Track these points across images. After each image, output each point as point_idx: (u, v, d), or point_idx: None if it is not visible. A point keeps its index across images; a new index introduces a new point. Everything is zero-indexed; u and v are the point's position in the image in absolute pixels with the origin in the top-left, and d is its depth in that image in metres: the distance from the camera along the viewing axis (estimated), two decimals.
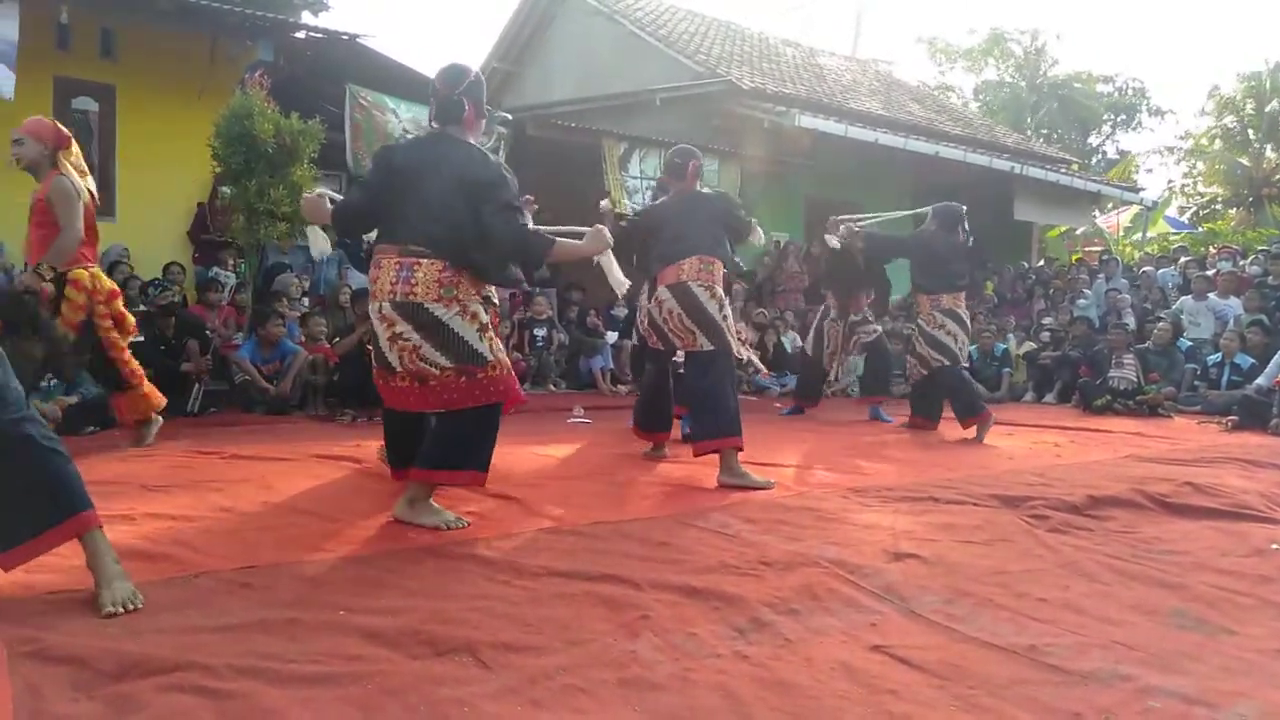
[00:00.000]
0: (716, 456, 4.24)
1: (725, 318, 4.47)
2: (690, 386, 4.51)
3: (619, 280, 3.84)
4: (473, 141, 3.36)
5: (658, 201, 5.20)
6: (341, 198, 3.55)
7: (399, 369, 3.16)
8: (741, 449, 4.26)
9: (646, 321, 4.86)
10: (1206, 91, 25.58)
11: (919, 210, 7.03)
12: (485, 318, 3.23)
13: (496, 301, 3.44)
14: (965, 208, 6.78)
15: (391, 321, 3.14)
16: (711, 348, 4.41)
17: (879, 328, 7.58)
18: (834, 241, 7.00)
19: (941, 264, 6.50)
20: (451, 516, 3.22)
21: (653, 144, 10.06)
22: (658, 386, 5.01)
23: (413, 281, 3.11)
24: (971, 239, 6.72)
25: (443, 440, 3.25)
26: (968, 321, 6.72)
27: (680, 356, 4.79)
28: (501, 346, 3.32)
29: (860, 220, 7.16)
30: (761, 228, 5.01)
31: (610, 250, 3.62)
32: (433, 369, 3.13)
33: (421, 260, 3.13)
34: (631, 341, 6.40)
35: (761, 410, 7.72)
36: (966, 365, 6.83)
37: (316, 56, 8.36)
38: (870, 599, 2.57)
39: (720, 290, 4.50)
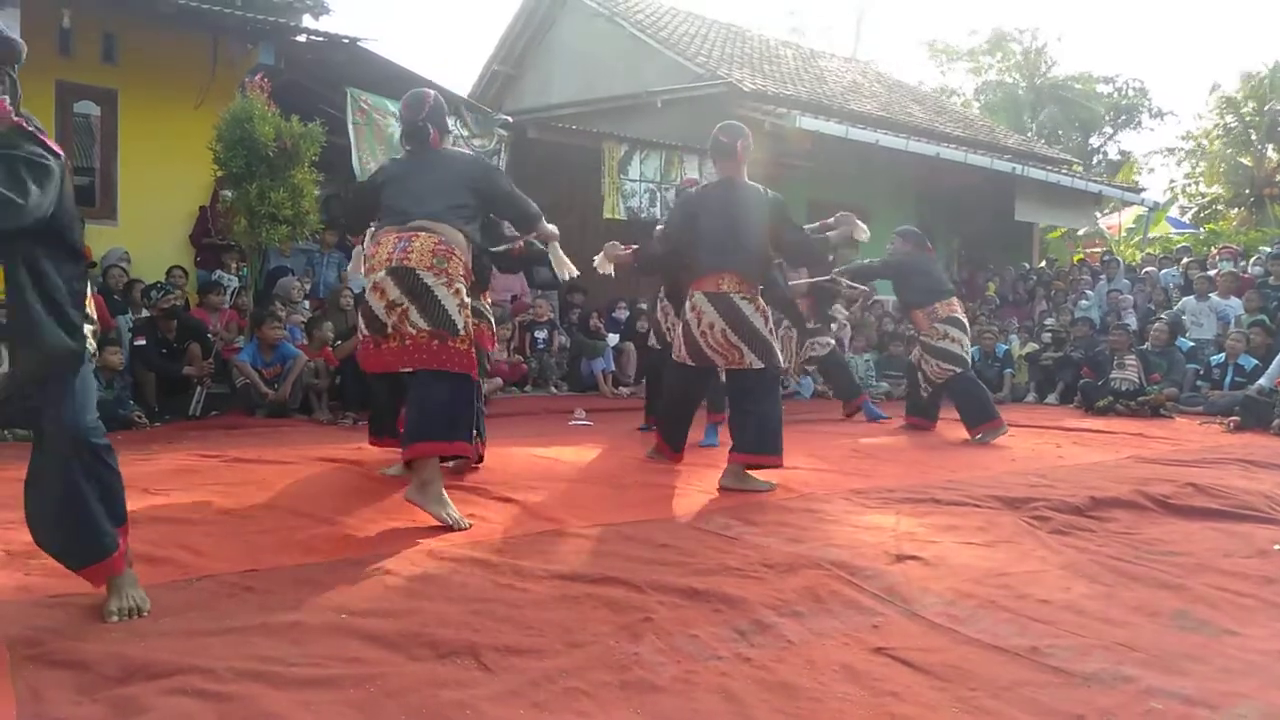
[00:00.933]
0: (715, 456, 4.24)
1: (771, 331, 4.28)
2: (742, 408, 4.25)
3: (567, 268, 4.07)
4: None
5: (700, 187, 4.80)
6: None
7: (391, 331, 3.39)
8: (781, 466, 4.22)
9: (680, 333, 4.48)
10: (1209, 89, 25.55)
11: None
12: (466, 297, 3.48)
13: (492, 316, 3.58)
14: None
15: (385, 290, 3.37)
16: (761, 366, 4.19)
17: (831, 341, 7.52)
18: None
19: (924, 276, 6.61)
20: (457, 514, 3.27)
21: (654, 146, 10.05)
22: (685, 407, 4.70)
23: (409, 250, 3.36)
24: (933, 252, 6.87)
25: (427, 413, 3.38)
26: (967, 324, 6.75)
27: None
28: (471, 325, 3.53)
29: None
30: (847, 238, 4.60)
31: (557, 241, 4.03)
32: (411, 329, 3.35)
33: (420, 233, 3.39)
34: (651, 344, 6.24)
35: None
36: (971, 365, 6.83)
37: (317, 60, 8.35)
38: (872, 601, 2.57)
39: (762, 302, 4.27)
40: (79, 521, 2.19)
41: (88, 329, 2.30)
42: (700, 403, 4.88)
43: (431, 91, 3.73)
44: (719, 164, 4.48)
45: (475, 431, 4.17)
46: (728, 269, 4.19)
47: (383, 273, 3.37)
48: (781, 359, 7.09)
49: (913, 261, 6.68)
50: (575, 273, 4.10)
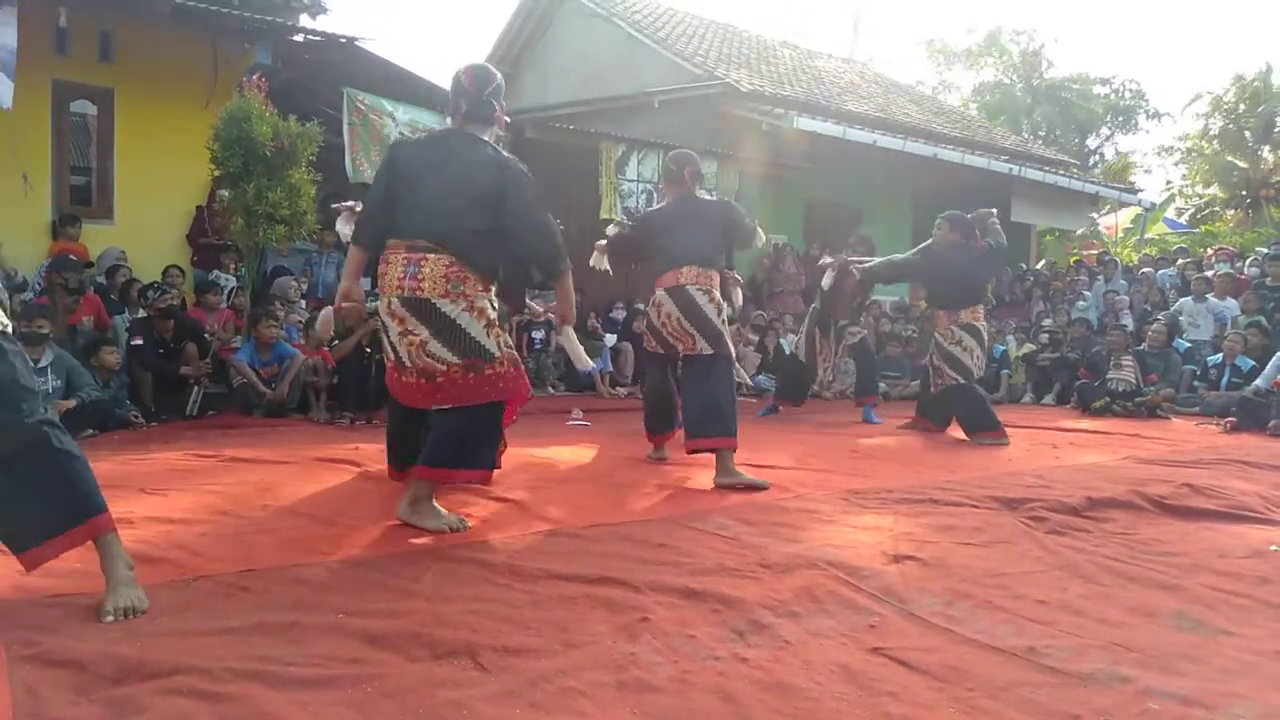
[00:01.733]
0: (713, 459, 4.25)
1: (724, 322, 4.53)
2: (689, 390, 4.53)
3: (581, 359, 3.89)
4: (489, 140, 3.39)
5: (655, 207, 5.28)
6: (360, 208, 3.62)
7: (408, 365, 3.20)
8: (735, 449, 4.28)
9: (645, 324, 4.91)
10: (1192, 97, 25.87)
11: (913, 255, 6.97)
12: (493, 314, 3.26)
13: (497, 306, 3.45)
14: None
15: (401, 318, 3.17)
16: (710, 352, 4.47)
17: (863, 329, 7.57)
18: (827, 281, 7.00)
19: (961, 279, 6.32)
20: (454, 519, 3.22)
21: (651, 146, 10.06)
22: (660, 390, 5.01)
23: (420, 277, 3.13)
24: (1002, 239, 6.55)
25: (447, 438, 3.24)
26: (985, 335, 6.53)
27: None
28: (510, 342, 3.34)
29: (864, 261, 7.10)
30: (760, 229, 5.04)
31: (571, 327, 3.74)
32: (439, 365, 3.16)
33: (428, 256, 3.14)
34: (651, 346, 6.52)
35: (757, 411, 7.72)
36: (980, 377, 6.54)
37: (315, 59, 8.35)
38: (869, 601, 2.57)
39: (718, 295, 4.56)
40: (16, 510, 2.22)
41: None
42: (670, 382, 5.04)
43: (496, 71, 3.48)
44: (670, 188, 4.89)
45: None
46: (685, 264, 4.51)
47: (395, 300, 3.17)
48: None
49: (955, 261, 6.30)
50: (590, 366, 4.00)
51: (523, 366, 3.37)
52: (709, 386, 4.42)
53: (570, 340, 3.79)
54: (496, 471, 3.95)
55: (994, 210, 6.71)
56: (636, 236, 4.98)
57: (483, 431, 3.27)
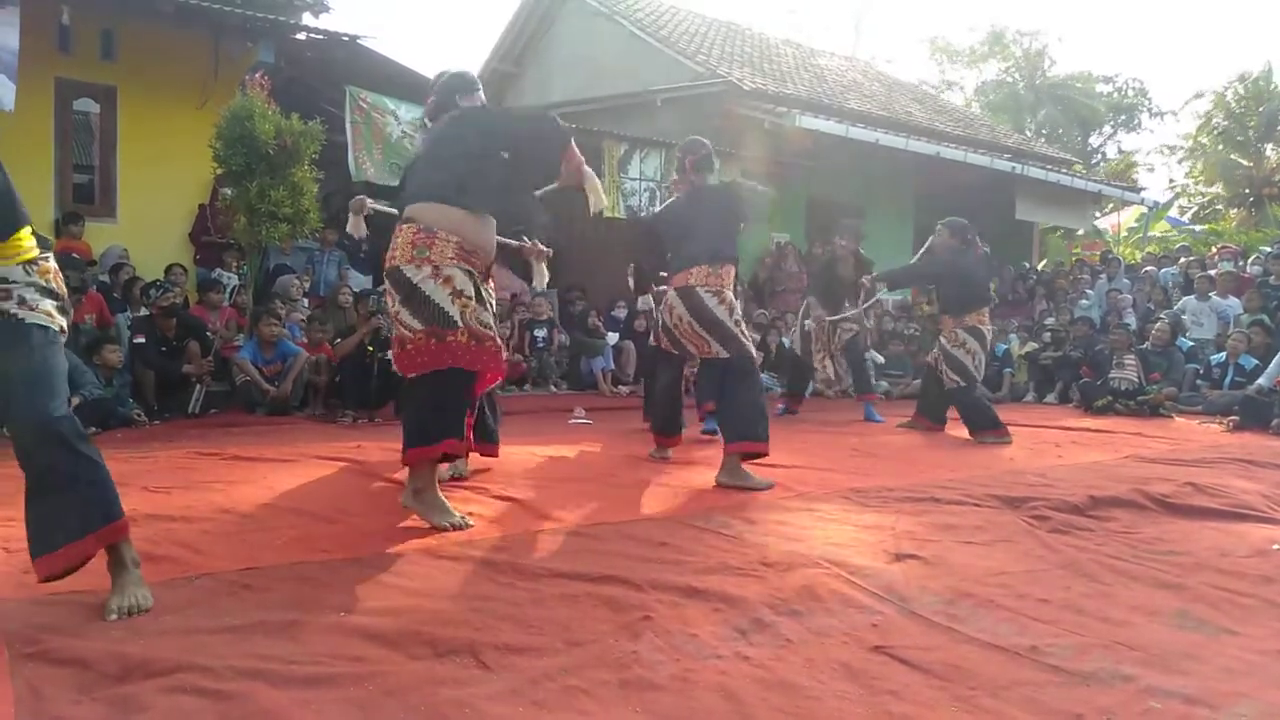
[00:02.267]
0: (717, 458, 4.25)
1: (737, 322, 4.44)
2: (709, 392, 4.48)
3: (599, 199, 3.65)
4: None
5: (669, 202, 5.17)
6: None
7: (390, 335, 3.32)
8: (766, 454, 4.24)
9: (659, 324, 4.89)
10: (1193, 94, 25.86)
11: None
12: (462, 284, 3.22)
13: (495, 298, 3.47)
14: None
15: (388, 292, 3.30)
16: (728, 355, 4.37)
17: (856, 326, 7.58)
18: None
19: (966, 282, 6.40)
20: (458, 516, 3.22)
21: (653, 145, 10.05)
22: (670, 391, 4.97)
23: (395, 247, 3.25)
24: (987, 249, 6.68)
25: (415, 415, 3.29)
26: (989, 337, 6.60)
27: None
28: (486, 321, 3.31)
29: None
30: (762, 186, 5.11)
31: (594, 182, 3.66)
32: (407, 332, 3.21)
33: (402, 227, 3.27)
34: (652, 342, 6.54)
35: None
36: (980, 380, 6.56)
37: (317, 58, 8.36)
38: (871, 600, 2.57)
39: (730, 295, 4.46)
40: (35, 514, 2.21)
41: (48, 304, 2.24)
42: (680, 385, 5.08)
43: (448, 71, 3.71)
44: (678, 182, 4.91)
45: (490, 432, 4.16)
46: (694, 264, 4.45)
47: (385, 275, 3.31)
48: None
49: (959, 264, 6.42)
50: (605, 203, 3.74)
51: (495, 346, 3.34)
52: (730, 392, 4.34)
53: (593, 182, 3.63)
54: (495, 472, 3.97)
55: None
56: (652, 236, 4.92)
57: (446, 401, 3.27)
